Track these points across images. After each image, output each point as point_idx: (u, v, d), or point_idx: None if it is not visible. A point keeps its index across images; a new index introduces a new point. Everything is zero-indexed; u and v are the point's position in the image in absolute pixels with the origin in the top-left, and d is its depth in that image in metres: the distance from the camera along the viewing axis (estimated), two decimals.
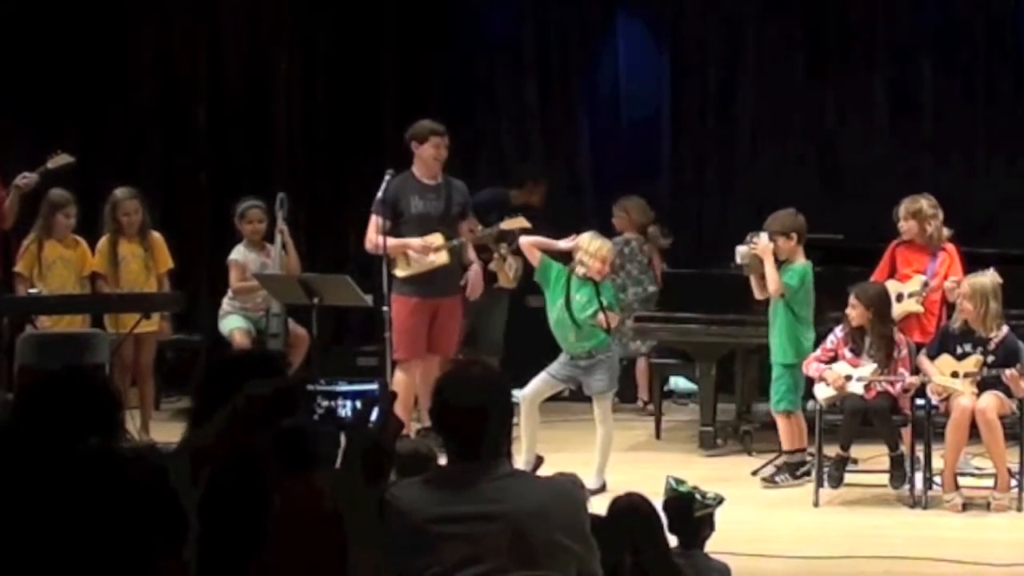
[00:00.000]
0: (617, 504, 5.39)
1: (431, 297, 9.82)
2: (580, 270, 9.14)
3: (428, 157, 9.81)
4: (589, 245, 9.16)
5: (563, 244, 9.39)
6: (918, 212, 9.56)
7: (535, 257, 9.36)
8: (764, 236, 9.32)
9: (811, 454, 9.23)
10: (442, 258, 9.79)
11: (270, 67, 13.03)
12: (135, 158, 12.50)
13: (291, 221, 10.72)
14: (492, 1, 13.26)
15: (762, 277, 9.36)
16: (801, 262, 9.39)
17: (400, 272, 9.75)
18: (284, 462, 3.89)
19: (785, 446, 9.45)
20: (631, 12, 12.97)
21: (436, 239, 9.76)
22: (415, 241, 9.74)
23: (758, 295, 9.48)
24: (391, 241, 9.65)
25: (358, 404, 3.68)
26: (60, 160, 10.09)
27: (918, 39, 12.38)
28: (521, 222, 9.97)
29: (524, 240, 9.54)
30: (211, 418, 3.54)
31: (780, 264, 9.36)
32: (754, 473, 9.60)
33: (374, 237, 9.74)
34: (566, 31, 12.96)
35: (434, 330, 9.90)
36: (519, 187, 11.68)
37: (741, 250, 9.43)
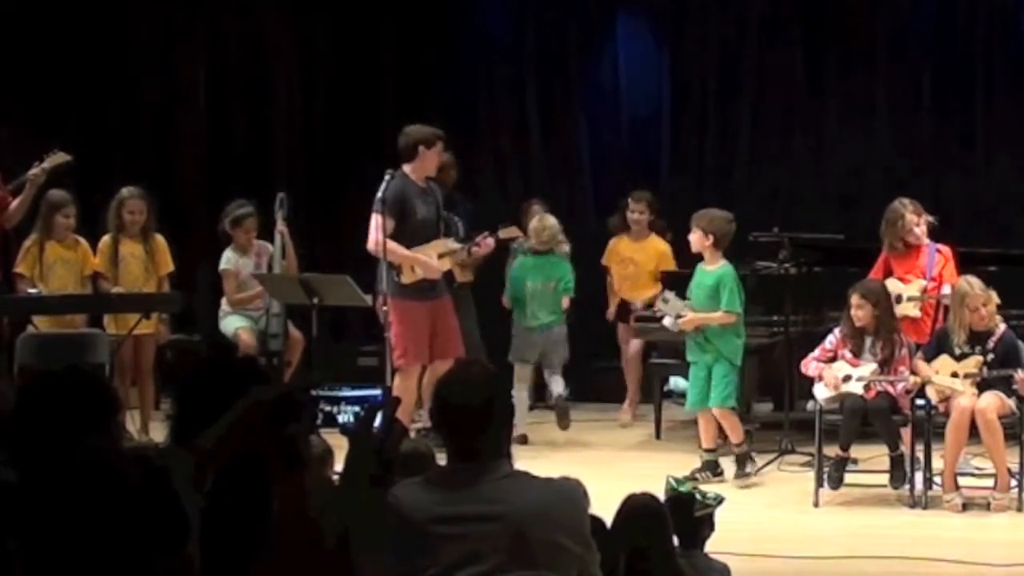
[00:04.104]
0: (630, 503, 5.38)
1: (430, 299, 9.78)
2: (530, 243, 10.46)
3: (433, 163, 9.76)
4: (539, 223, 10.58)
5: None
6: (900, 222, 9.51)
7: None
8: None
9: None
10: (447, 265, 9.80)
11: (270, 68, 13.03)
12: (135, 158, 12.49)
13: (291, 220, 10.69)
14: (492, 1, 13.26)
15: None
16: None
17: (406, 279, 9.68)
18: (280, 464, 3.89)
19: (737, 440, 9.51)
20: (631, 12, 12.96)
21: (441, 246, 9.73)
22: (427, 257, 9.65)
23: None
24: (403, 252, 9.58)
25: (361, 410, 3.70)
26: (57, 158, 9.99)
27: (918, 39, 12.38)
28: (514, 231, 10.46)
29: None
30: (196, 423, 3.55)
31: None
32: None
33: (377, 237, 9.66)
34: (566, 31, 12.96)
35: (435, 333, 9.78)
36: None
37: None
